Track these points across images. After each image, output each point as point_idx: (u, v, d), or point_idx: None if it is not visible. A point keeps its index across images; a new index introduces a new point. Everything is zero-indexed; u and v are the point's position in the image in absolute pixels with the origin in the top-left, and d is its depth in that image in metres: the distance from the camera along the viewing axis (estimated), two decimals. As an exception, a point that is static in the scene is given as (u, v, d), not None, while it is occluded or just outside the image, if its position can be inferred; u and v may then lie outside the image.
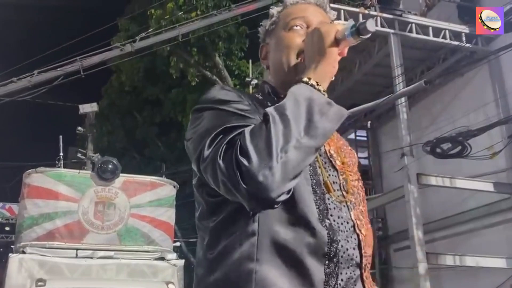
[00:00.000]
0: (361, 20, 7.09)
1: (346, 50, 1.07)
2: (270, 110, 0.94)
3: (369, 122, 10.17)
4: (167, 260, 6.07)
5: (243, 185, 0.89)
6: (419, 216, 6.56)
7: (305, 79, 1.00)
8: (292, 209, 0.99)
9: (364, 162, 10.24)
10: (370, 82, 8.43)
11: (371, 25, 0.99)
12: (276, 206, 0.93)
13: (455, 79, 7.89)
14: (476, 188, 6.86)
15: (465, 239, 7.43)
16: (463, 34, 7.49)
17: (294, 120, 0.92)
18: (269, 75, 1.26)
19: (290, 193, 0.94)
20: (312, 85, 0.99)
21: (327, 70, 1.03)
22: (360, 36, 1.01)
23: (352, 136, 10.46)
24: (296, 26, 1.18)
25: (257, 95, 1.19)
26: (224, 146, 0.93)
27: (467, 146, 6.32)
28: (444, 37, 7.50)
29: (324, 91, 1.00)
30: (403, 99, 7.02)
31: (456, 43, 7.46)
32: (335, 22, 1.09)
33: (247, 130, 0.93)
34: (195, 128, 1.04)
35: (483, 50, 7.49)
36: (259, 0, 9.35)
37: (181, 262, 6.25)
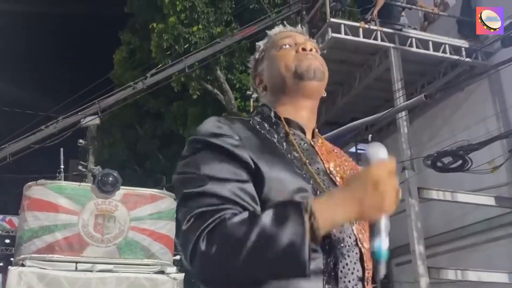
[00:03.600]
0: (361, 36, 7.11)
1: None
2: (259, 225, 0.91)
3: (370, 135, 10.16)
4: (167, 273, 6.05)
5: (194, 266, 0.94)
6: (420, 230, 6.52)
7: (316, 206, 0.94)
8: None
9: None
10: (370, 96, 8.45)
11: (381, 274, 0.97)
12: None
13: (456, 93, 7.91)
14: (478, 202, 6.83)
15: (467, 253, 7.38)
16: (463, 48, 7.54)
17: (263, 251, 0.90)
18: (267, 96, 1.27)
19: None
20: (316, 229, 0.92)
21: (345, 214, 0.97)
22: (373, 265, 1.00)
23: (353, 149, 10.45)
24: (285, 45, 1.24)
25: (255, 118, 1.20)
26: (193, 219, 0.96)
27: (468, 160, 6.32)
28: (444, 52, 7.54)
29: (317, 228, 0.93)
30: (403, 113, 7.04)
31: (456, 57, 7.50)
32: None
33: (227, 227, 0.93)
34: (184, 165, 1.07)
35: (483, 65, 7.52)
36: (260, 21, 9.70)
37: (181, 276, 6.23)
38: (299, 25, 1.37)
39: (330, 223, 0.95)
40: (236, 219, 0.93)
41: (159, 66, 10.39)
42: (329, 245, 1.03)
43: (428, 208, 7.57)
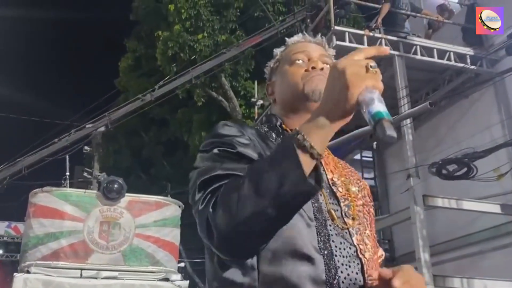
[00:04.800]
0: (366, 44, 7.15)
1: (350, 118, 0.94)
2: (250, 168, 0.97)
3: (374, 143, 10.15)
4: (172, 281, 6.05)
5: (212, 238, 0.95)
6: (426, 238, 6.49)
7: (299, 136, 0.92)
8: (288, 241, 1.02)
9: (370, 183, 10.19)
10: (375, 103, 8.44)
11: (390, 133, 0.82)
12: (246, 259, 0.99)
13: (460, 100, 7.89)
14: (483, 210, 6.80)
15: (472, 261, 7.33)
16: (468, 56, 7.53)
17: (265, 185, 0.91)
18: (276, 108, 1.31)
19: (264, 248, 0.99)
20: (304, 147, 0.91)
21: (330, 129, 0.93)
22: (375, 130, 0.85)
23: (358, 157, 10.44)
24: (298, 60, 1.26)
25: (263, 126, 1.25)
26: (208, 196, 0.99)
27: (473, 167, 6.30)
28: (449, 59, 7.54)
29: (318, 155, 0.92)
30: (408, 121, 7.03)
31: (461, 65, 7.49)
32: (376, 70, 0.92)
33: (226, 185, 0.97)
34: (198, 167, 1.10)
35: (488, 72, 7.51)
36: (265, 31, 9.83)
37: (186, 283, 6.23)
38: (319, 35, 1.35)
39: (316, 131, 0.92)
40: (232, 179, 0.99)
41: (166, 78, 10.59)
42: (330, 256, 1.04)
43: (434, 216, 7.54)
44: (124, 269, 5.97)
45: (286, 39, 1.37)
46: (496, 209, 6.73)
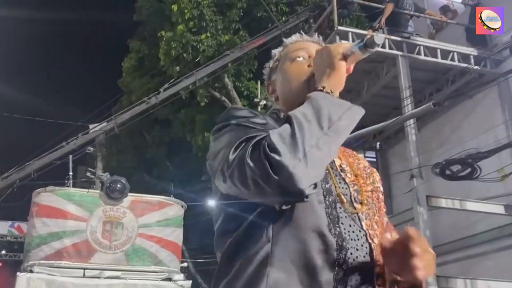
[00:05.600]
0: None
1: (352, 66, 1.18)
2: (292, 112, 1.02)
3: (378, 143, 10.13)
4: (174, 280, 6.05)
5: (275, 177, 0.94)
6: (429, 239, 6.47)
7: (319, 87, 1.10)
8: (302, 217, 1.04)
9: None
10: (378, 104, 8.43)
11: (378, 38, 1.08)
12: (306, 199, 0.99)
13: (464, 101, 7.87)
14: (487, 211, 6.77)
15: (476, 262, 7.31)
16: (472, 56, 7.51)
17: (316, 118, 1.00)
18: (279, 105, 1.32)
19: (317, 187, 1.01)
20: (326, 92, 1.09)
21: (336, 82, 1.12)
22: (368, 49, 1.11)
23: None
24: (299, 57, 1.28)
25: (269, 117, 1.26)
26: (251, 148, 0.98)
27: (476, 168, 6.27)
28: (452, 59, 7.52)
29: (337, 97, 1.10)
30: (411, 121, 7.01)
31: (465, 65, 7.47)
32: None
33: (272, 131, 0.99)
34: (216, 146, 1.09)
35: (492, 73, 7.49)
36: (268, 32, 9.87)
37: (188, 283, 6.23)
38: (316, 34, 1.38)
39: (331, 86, 1.11)
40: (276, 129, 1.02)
41: (171, 80, 10.73)
42: (341, 239, 1.06)
43: (437, 217, 7.52)
44: (127, 268, 5.97)
45: (284, 39, 1.38)
46: (500, 209, 6.70)
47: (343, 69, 1.14)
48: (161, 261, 6.20)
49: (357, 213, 1.13)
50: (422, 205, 6.54)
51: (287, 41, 1.35)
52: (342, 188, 1.15)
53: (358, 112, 1.07)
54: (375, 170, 1.32)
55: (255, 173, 0.95)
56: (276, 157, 0.93)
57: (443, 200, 6.74)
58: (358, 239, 1.09)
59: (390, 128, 7.79)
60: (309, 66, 1.25)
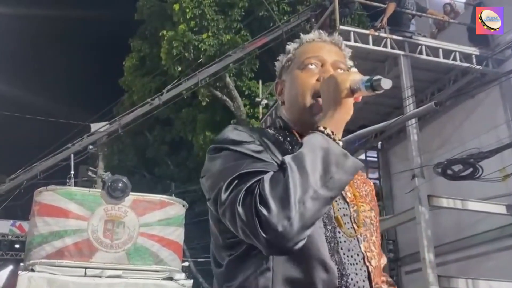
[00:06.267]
0: (371, 44, 7.15)
1: (360, 97, 1.11)
2: (288, 159, 0.97)
3: (379, 143, 10.12)
4: (176, 280, 6.05)
5: (262, 234, 0.91)
6: (431, 238, 6.46)
7: (321, 128, 1.04)
8: (304, 246, 1.00)
9: (375, 183, 10.17)
10: (380, 103, 8.42)
11: (385, 83, 1.02)
12: (292, 252, 0.96)
13: (466, 100, 7.86)
14: (489, 211, 6.76)
15: (477, 262, 7.30)
16: (474, 56, 7.50)
17: (311, 171, 0.95)
18: (284, 110, 1.28)
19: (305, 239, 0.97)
20: (328, 135, 1.02)
21: (342, 118, 1.08)
22: (374, 91, 1.05)
23: (362, 157, 10.41)
24: (311, 64, 1.21)
25: (269, 130, 1.22)
26: (243, 193, 0.96)
27: (478, 168, 6.26)
28: (454, 59, 7.51)
29: (339, 139, 1.03)
30: (413, 121, 7.00)
31: (467, 65, 7.46)
32: (352, 69, 1.12)
33: (266, 178, 0.96)
34: (211, 167, 1.07)
35: (494, 72, 7.47)
36: (270, 32, 9.91)
37: (190, 282, 6.23)
38: (336, 34, 1.30)
39: (335, 125, 1.06)
40: (271, 174, 0.97)
41: (174, 81, 10.74)
42: (341, 263, 1.06)
43: (439, 216, 7.51)
44: (128, 268, 5.97)
45: (301, 34, 1.30)
46: (502, 209, 6.69)
47: (350, 105, 1.08)
48: (162, 260, 6.20)
49: (356, 236, 1.12)
50: (424, 204, 6.53)
51: (304, 38, 1.28)
52: (343, 208, 1.14)
53: (357, 166, 1.01)
54: (371, 184, 1.31)
55: (244, 225, 0.93)
56: (266, 213, 0.91)
57: (444, 200, 6.74)
58: (356, 263, 1.09)
59: (392, 127, 7.78)
60: (317, 80, 1.18)
